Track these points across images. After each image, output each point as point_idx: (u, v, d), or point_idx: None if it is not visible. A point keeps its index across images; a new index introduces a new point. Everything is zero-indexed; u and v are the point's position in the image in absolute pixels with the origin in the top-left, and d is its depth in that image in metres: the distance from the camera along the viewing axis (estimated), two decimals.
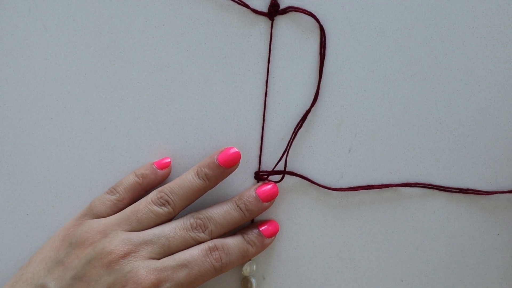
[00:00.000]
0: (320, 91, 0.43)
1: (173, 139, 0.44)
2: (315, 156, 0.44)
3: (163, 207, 0.40)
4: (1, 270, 0.43)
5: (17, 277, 0.40)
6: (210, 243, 0.40)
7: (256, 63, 0.43)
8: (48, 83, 0.44)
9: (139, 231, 0.40)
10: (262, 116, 0.44)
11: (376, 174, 0.44)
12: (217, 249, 0.40)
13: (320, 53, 0.43)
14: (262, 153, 0.44)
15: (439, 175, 0.44)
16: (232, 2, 0.43)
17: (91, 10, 0.43)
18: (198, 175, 0.41)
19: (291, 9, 0.43)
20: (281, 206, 0.44)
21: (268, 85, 0.43)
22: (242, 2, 0.43)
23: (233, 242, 0.41)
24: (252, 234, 0.42)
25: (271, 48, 0.43)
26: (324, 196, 0.44)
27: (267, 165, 0.44)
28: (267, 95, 0.44)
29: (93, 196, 0.43)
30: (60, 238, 0.41)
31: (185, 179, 0.41)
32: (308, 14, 0.43)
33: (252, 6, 0.43)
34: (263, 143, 0.44)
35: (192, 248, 0.40)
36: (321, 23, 0.43)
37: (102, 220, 0.40)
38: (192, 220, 0.40)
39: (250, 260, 0.43)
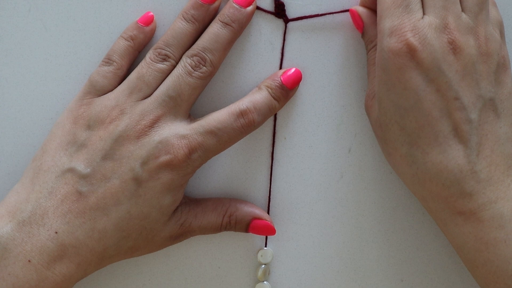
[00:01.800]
0: (320, 91, 0.44)
1: None
2: (315, 156, 0.44)
3: (165, 62, 0.39)
4: None
5: (36, 168, 0.39)
6: (242, 105, 0.39)
7: (256, 63, 0.43)
8: (48, 83, 0.43)
9: (151, 94, 0.39)
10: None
11: (376, 174, 0.44)
12: (249, 112, 0.39)
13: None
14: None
15: None
16: None
17: (91, 10, 0.43)
18: (185, 19, 0.40)
19: (304, 17, 0.43)
20: (281, 205, 0.44)
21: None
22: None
23: (262, 101, 0.40)
24: (277, 89, 0.41)
25: (272, 48, 0.43)
26: (324, 195, 0.44)
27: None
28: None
29: None
30: (71, 120, 0.39)
31: (175, 28, 0.40)
32: (314, 16, 0.43)
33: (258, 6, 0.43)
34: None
35: (221, 111, 0.39)
36: (324, 25, 0.43)
37: (112, 95, 0.39)
38: (189, 61, 0.39)
39: (264, 265, 0.43)
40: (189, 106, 0.39)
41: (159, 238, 0.40)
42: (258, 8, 0.43)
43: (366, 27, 0.40)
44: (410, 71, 0.34)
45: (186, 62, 0.39)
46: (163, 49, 0.40)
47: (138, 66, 0.40)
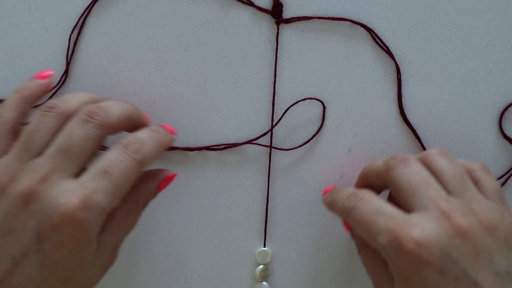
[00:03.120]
0: (320, 91, 0.44)
1: None
2: (315, 156, 0.44)
3: (51, 113, 0.36)
4: None
5: None
6: (122, 140, 0.35)
7: (256, 63, 0.43)
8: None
9: (40, 153, 0.35)
10: (271, 116, 0.44)
11: None
12: (131, 142, 0.35)
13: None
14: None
15: None
16: (233, 2, 0.43)
17: (91, 10, 0.43)
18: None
19: (295, 19, 0.43)
20: (281, 205, 0.44)
21: (275, 87, 0.44)
22: (247, 0, 0.43)
23: (143, 133, 0.37)
24: (156, 126, 0.38)
25: (272, 48, 0.43)
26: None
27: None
28: (275, 96, 0.44)
29: None
30: None
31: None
32: (309, 18, 0.43)
33: (254, 3, 0.43)
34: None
35: (103, 153, 0.35)
36: (322, 25, 0.43)
37: (3, 160, 0.35)
38: (83, 112, 0.35)
39: (263, 265, 0.43)
40: (83, 161, 0.35)
41: (95, 278, 0.36)
42: (255, 6, 0.43)
43: (353, 228, 0.40)
44: (424, 272, 0.32)
45: (79, 114, 0.35)
46: (52, 103, 0.36)
47: (28, 124, 0.36)
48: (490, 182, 0.37)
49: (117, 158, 0.35)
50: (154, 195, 0.39)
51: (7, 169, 0.34)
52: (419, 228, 0.33)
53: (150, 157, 0.36)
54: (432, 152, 0.38)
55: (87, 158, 0.35)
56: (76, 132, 0.35)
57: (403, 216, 0.34)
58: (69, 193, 0.33)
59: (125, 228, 0.38)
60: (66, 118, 0.36)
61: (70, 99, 0.37)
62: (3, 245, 0.33)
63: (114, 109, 0.37)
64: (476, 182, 0.37)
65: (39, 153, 0.35)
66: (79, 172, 0.35)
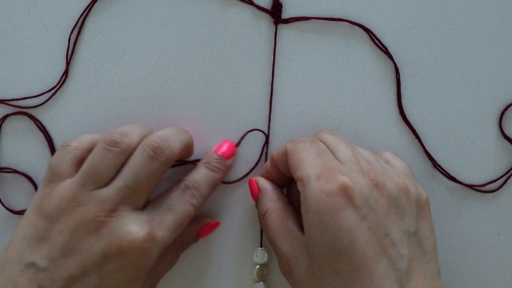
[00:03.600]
0: (319, 91, 0.44)
1: None
2: None
3: (116, 149, 0.38)
4: None
5: (3, 259, 0.38)
6: (181, 184, 0.40)
7: (256, 63, 0.43)
8: (48, 83, 0.44)
9: (106, 184, 0.37)
10: (268, 115, 0.44)
11: None
12: (188, 188, 0.39)
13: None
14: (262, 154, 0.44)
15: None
16: (233, 2, 0.43)
17: (90, 10, 0.43)
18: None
19: (293, 19, 0.43)
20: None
21: (273, 86, 0.44)
22: (248, 0, 0.43)
23: (200, 176, 0.41)
24: (214, 161, 0.42)
25: (274, 49, 0.43)
26: None
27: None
28: (273, 96, 0.44)
29: None
30: (34, 212, 0.38)
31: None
32: (307, 19, 0.43)
33: (254, 2, 0.43)
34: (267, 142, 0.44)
35: (166, 191, 0.39)
36: (322, 25, 0.43)
37: (67, 186, 0.37)
38: (148, 147, 0.38)
39: (260, 265, 0.43)
40: (148, 195, 0.38)
41: None
42: (255, 5, 0.43)
43: (260, 195, 0.41)
44: (343, 210, 0.34)
45: (145, 149, 0.38)
46: (115, 138, 0.38)
47: (91, 153, 0.38)
48: (399, 162, 0.41)
49: (178, 199, 0.39)
50: (194, 240, 0.43)
51: (72, 194, 0.37)
52: (348, 173, 0.35)
53: (203, 202, 0.40)
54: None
55: (152, 191, 0.38)
56: (143, 170, 0.37)
57: (337, 163, 0.36)
58: (139, 224, 0.37)
59: (165, 267, 0.42)
60: (129, 154, 0.38)
61: (130, 133, 0.39)
62: (63, 264, 0.36)
63: (175, 141, 0.39)
64: (386, 162, 0.41)
65: (104, 185, 0.37)
66: (144, 203, 0.38)
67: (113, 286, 0.36)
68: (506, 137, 0.44)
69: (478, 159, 0.44)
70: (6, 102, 0.43)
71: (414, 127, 0.44)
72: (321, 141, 0.39)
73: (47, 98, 0.44)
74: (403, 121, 0.44)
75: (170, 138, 0.39)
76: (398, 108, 0.44)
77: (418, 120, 0.44)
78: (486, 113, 0.44)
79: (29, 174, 0.44)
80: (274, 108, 0.44)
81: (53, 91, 0.44)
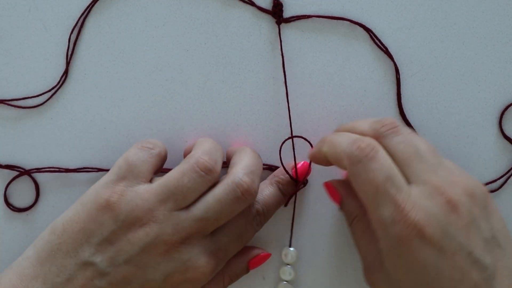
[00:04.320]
0: (319, 91, 0.44)
1: (173, 139, 0.44)
2: None
3: (207, 177, 0.37)
4: None
5: (54, 245, 0.36)
6: (253, 208, 0.39)
7: (256, 63, 0.43)
8: (48, 83, 0.43)
9: (185, 206, 0.36)
10: (289, 117, 0.44)
11: None
12: (259, 215, 0.39)
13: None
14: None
15: None
16: (233, 1, 0.43)
17: (90, 10, 0.43)
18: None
19: (294, 18, 0.43)
20: (281, 207, 0.44)
21: (287, 86, 0.44)
22: (248, 0, 0.43)
23: (271, 198, 0.40)
24: (286, 181, 0.41)
25: (272, 48, 0.43)
26: (325, 195, 0.44)
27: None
28: (288, 96, 0.44)
29: None
30: (99, 206, 0.36)
31: (209, 143, 0.39)
32: (309, 17, 0.43)
33: (255, 3, 0.43)
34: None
35: (237, 216, 0.38)
36: (321, 25, 0.43)
37: (146, 194, 0.36)
38: (237, 191, 0.37)
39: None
40: (220, 225, 0.38)
41: None
42: (255, 6, 0.43)
43: (344, 199, 0.39)
44: (424, 251, 0.33)
45: (235, 189, 0.37)
46: (210, 166, 0.37)
47: (179, 169, 0.37)
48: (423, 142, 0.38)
49: (247, 228, 0.39)
50: (244, 272, 0.41)
51: (150, 206, 0.36)
52: (422, 209, 0.33)
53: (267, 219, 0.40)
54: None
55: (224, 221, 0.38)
56: (227, 208, 0.37)
57: (407, 190, 0.34)
58: (207, 256, 0.37)
59: None
60: (217, 181, 0.38)
61: (218, 159, 0.38)
62: (126, 274, 0.36)
63: (257, 182, 0.38)
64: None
65: (184, 207, 0.36)
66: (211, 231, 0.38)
67: None
68: (506, 137, 0.44)
69: (478, 159, 0.44)
70: (6, 102, 0.43)
71: (414, 127, 0.44)
72: (391, 149, 0.36)
73: (47, 98, 0.44)
74: (403, 121, 0.44)
75: (255, 179, 0.38)
76: (398, 108, 0.44)
77: (418, 120, 0.44)
78: (486, 113, 0.44)
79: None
80: (274, 108, 0.44)
81: (53, 91, 0.44)
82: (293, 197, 0.43)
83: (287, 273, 0.43)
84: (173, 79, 0.44)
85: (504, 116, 0.44)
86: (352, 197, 0.38)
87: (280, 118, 0.44)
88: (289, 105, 0.43)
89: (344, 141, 0.36)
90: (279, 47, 0.43)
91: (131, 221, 0.36)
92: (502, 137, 0.44)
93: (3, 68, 0.43)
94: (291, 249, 0.43)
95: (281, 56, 0.43)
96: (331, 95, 0.44)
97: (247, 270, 0.41)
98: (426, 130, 0.44)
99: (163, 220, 0.36)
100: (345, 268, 0.44)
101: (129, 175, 0.37)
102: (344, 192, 0.39)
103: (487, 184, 0.44)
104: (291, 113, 0.43)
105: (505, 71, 0.43)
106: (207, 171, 0.37)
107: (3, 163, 0.44)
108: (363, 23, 0.43)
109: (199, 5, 0.43)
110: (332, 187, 0.40)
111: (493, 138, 0.44)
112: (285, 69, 0.43)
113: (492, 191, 0.44)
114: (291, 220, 0.43)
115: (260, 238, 0.44)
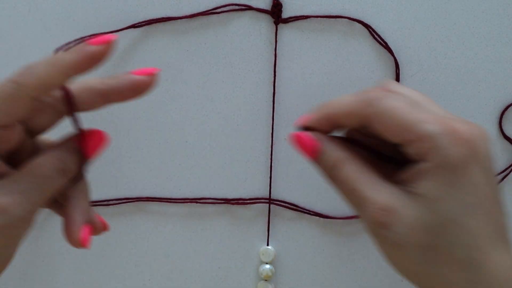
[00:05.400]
0: (320, 90, 0.44)
1: (173, 139, 0.44)
2: None
3: None
4: None
5: None
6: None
7: (256, 63, 0.43)
8: None
9: None
10: (272, 115, 0.44)
11: None
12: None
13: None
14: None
15: None
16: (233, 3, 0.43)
17: (91, 10, 0.43)
18: None
19: (292, 18, 0.43)
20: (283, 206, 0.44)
21: (275, 86, 0.44)
22: (245, 5, 0.43)
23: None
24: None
25: (272, 48, 0.43)
26: (324, 195, 0.44)
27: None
28: (275, 96, 0.44)
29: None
30: None
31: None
32: (307, 17, 0.43)
33: (253, 6, 0.43)
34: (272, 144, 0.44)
35: None
36: (321, 25, 0.43)
37: None
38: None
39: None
40: None
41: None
42: (255, 8, 0.43)
43: (325, 145, 0.33)
44: (476, 163, 0.30)
45: None
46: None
47: None
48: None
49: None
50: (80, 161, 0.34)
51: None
52: (464, 124, 0.31)
53: (37, 83, 0.31)
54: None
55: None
56: None
57: (442, 111, 0.32)
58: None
59: None
60: None
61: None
62: None
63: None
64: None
65: None
66: None
67: None
68: (506, 137, 0.44)
69: None
70: None
71: None
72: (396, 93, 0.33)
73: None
74: None
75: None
76: None
77: None
78: (486, 113, 0.44)
79: None
80: (274, 108, 0.44)
81: None
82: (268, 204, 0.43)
83: (266, 271, 0.43)
84: (173, 79, 0.44)
85: (504, 116, 0.44)
86: (333, 142, 0.33)
87: (279, 118, 0.44)
88: (274, 106, 0.43)
89: (349, 96, 0.32)
90: (276, 47, 0.43)
91: None
92: (502, 137, 0.44)
93: (3, 68, 0.43)
94: (269, 247, 0.44)
95: (278, 56, 0.43)
96: (331, 95, 0.44)
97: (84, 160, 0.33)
98: None
99: None
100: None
101: None
102: (322, 137, 0.33)
103: None
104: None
105: (505, 71, 0.43)
106: None
107: None
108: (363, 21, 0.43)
109: (199, 5, 0.43)
110: (304, 137, 0.33)
111: (493, 138, 0.44)
112: (285, 69, 0.43)
113: None
114: (267, 218, 0.44)
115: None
